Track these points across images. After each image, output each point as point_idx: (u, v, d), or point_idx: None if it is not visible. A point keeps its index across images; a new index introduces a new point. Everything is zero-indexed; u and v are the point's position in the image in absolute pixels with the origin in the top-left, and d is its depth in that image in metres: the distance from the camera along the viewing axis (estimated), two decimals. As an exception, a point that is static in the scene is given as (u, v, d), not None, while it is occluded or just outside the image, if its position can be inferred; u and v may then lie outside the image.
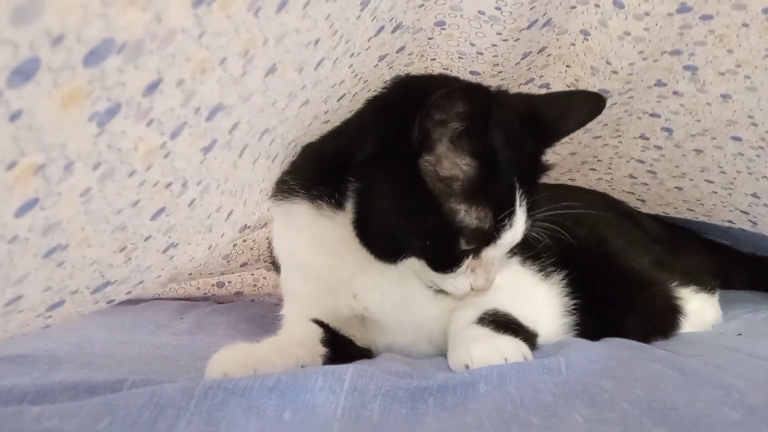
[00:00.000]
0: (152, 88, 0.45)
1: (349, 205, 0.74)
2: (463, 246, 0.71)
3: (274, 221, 0.86)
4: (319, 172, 0.77)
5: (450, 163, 0.70)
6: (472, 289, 0.74)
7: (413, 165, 0.70)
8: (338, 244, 0.76)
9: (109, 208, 0.50)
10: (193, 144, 0.54)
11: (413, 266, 0.74)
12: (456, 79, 0.87)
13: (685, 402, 0.51)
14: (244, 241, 1.28)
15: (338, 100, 0.78)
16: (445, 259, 0.72)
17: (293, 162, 0.81)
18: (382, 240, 0.73)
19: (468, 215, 0.70)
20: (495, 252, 0.74)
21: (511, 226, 0.72)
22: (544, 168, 0.80)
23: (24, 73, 0.36)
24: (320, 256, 0.78)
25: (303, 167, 0.79)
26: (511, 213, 0.72)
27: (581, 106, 0.81)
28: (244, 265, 1.33)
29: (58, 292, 0.53)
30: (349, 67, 0.74)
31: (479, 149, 0.69)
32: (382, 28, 0.74)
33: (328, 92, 0.74)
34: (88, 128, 0.42)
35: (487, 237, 0.72)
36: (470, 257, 0.72)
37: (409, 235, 0.71)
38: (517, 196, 0.72)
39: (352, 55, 0.72)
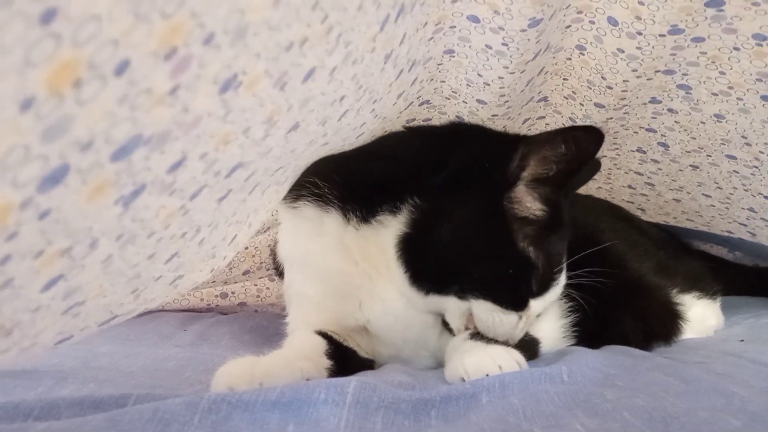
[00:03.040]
0: (176, 166, 0.46)
1: (395, 222, 0.75)
2: (533, 289, 0.74)
3: (283, 224, 0.86)
4: (355, 188, 0.78)
5: (525, 203, 0.73)
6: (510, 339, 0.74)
7: (497, 199, 0.73)
8: (359, 253, 0.77)
9: (126, 265, 0.51)
10: (211, 198, 0.55)
11: (447, 304, 0.74)
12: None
13: (686, 411, 0.51)
14: (246, 248, 1.29)
15: (357, 138, 0.79)
16: (518, 296, 0.73)
17: (324, 170, 0.81)
18: (438, 266, 0.73)
19: (537, 260, 0.72)
20: (540, 306, 0.76)
21: (557, 283, 0.76)
22: None
23: (54, 179, 0.36)
24: (339, 262, 0.79)
25: (335, 180, 0.79)
26: (560, 270, 0.75)
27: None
28: (246, 273, 1.34)
29: (68, 332, 0.54)
30: (371, 112, 0.75)
31: (552, 198, 0.73)
32: (401, 71, 0.75)
33: (348, 134, 0.75)
34: (113, 210, 0.43)
35: (544, 287, 0.74)
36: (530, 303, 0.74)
37: (482, 266, 0.72)
38: (565, 254, 0.75)
39: (375, 102, 0.73)
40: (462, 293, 0.73)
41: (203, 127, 0.45)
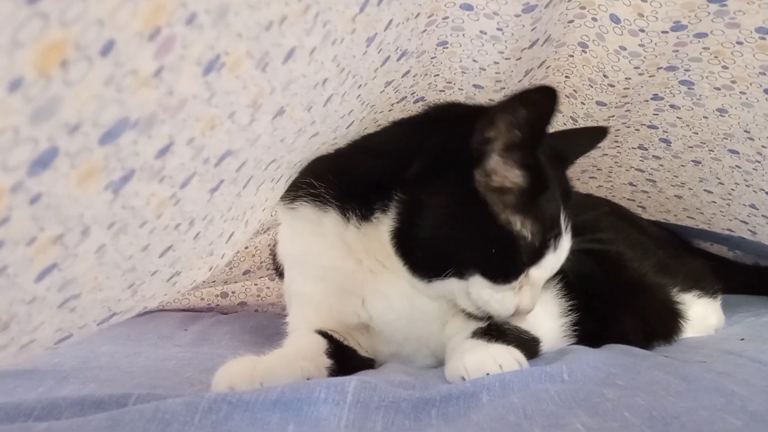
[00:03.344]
0: (164, 151, 0.46)
1: (386, 218, 0.75)
2: (521, 259, 0.73)
3: (283, 224, 0.86)
4: (350, 187, 0.78)
5: (502, 173, 0.72)
6: (515, 312, 0.74)
7: (468, 176, 0.72)
8: (362, 250, 0.78)
9: (120, 257, 0.51)
10: (202, 188, 0.55)
11: (451, 287, 0.74)
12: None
13: (686, 410, 0.51)
14: (246, 247, 1.29)
15: (347, 128, 0.80)
16: (504, 270, 0.73)
17: (318, 171, 0.81)
18: (429, 254, 0.74)
19: (523, 228, 0.72)
20: (541, 273, 0.75)
21: (556, 248, 0.74)
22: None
23: (43, 162, 0.36)
24: (340, 261, 0.79)
25: (331, 179, 0.79)
26: (558, 234, 0.74)
27: (587, 136, 0.87)
28: (246, 272, 1.34)
29: (67, 330, 0.54)
30: (357, 98, 0.75)
31: (530, 161, 0.72)
32: (387, 58, 0.75)
33: (337, 123, 0.76)
34: (103, 196, 0.43)
35: (537, 254, 0.73)
36: (525, 273, 0.74)
37: (465, 246, 0.72)
38: (563, 218, 0.74)
39: (359, 86, 0.73)
40: (459, 274, 0.73)
41: (188, 111, 0.45)
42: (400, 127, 0.86)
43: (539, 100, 0.69)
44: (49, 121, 0.35)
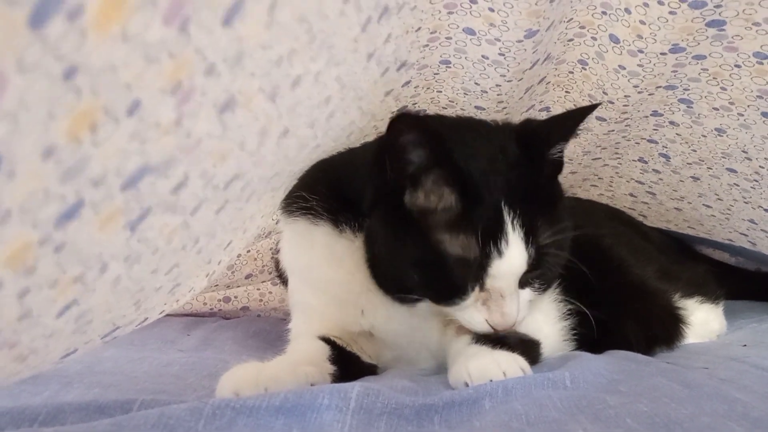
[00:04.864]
0: (179, 186, 0.47)
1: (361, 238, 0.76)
2: (460, 277, 0.69)
3: (284, 234, 0.87)
4: (341, 201, 0.79)
5: (427, 194, 0.70)
6: (494, 328, 0.71)
7: (399, 202, 0.71)
8: (353, 263, 0.78)
9: (132, 283, 0.52)
10: (209, 210, 0.56)
11: (423, 306, 0.74)
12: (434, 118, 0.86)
13: (689, 416, 0.51)
14: (248, 251, 1.30)
15: (347, 137, 0.80)
16: (443, 291, 0.71)
17: (311, 183, 0.82)
18: (391, 281, 0.74)
19: (451, 245, 0.68)
20: (499, 283, 0.70)
21: (500, 254, 0.68)
22: (554, 191, 0.77)
23: (69, 215, 0.38)
24: (334, 273, 0.80)
25: (323, 192, 0.80)
26: (497, 240, 0.68)
27: (573, 114, 0.79)
28: (248, 276, 1.34)
29: (73, 347, 0.55)
30: (358, 109, 0.76)
31: (452, 177, 0.69)
32: (387, 69, 0.75)
33: (338, 134, 0.76)
34: (121, 235, 0.44)
35: (475, 267, 0.69)
36: (476, 289, 0.70)
37: (407, 271, 0.71)
38: (508, 221, 0.68)
39: (360, 99, 0.74)
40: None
41: (203, 148, 0.46)
42: (372, 146, 0.84)
43: (404, 121, 0.67)
44: (76, 179, 0.36)
